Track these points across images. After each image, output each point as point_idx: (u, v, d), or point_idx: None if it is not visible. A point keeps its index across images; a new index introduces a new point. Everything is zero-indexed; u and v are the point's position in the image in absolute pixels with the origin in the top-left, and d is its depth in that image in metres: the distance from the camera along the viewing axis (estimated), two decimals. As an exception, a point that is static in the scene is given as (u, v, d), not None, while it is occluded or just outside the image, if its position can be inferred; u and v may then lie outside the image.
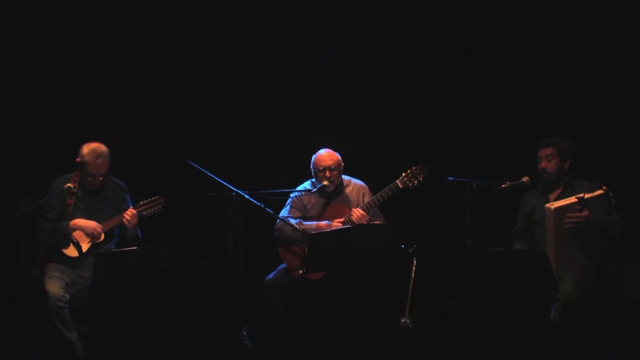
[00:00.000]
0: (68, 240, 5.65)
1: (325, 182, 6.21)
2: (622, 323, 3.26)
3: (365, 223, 6.11)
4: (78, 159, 5.88)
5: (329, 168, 6.22)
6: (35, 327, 3.13)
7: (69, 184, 5.83)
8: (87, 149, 5.88)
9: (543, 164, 6.04)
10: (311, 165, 6.30)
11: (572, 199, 5.79)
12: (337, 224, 6.16)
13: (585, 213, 5.73)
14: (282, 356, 3.58)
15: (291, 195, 6.35)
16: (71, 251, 5.71)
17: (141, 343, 3.20)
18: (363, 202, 6.24)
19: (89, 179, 5.89)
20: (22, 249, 5.76)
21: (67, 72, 6.90)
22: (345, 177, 6.37)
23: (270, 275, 6.22)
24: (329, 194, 6.31)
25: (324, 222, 6.20)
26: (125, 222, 5.88)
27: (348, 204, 6.28)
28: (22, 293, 3.15)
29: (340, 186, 6.34)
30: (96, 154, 5.86)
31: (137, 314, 3.23)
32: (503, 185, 6.05)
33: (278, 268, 6.24)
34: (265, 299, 6.16)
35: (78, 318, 5.66)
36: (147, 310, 3.24)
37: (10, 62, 6.83)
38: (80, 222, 5.85)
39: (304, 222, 6.22)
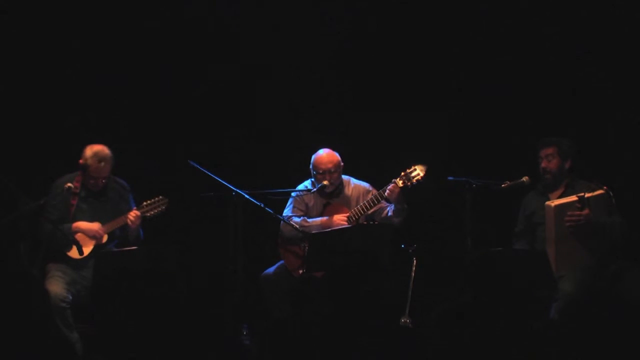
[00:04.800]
0: (69, 241, 5.66)
1: (325, 182, 6.22)
2: (622, 323, 3.26)
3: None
4: (81, 161, 5.87)
5: (328, 171, 6.22)
6: (35, 327, 3.12)
7: (69, 184, 5.83)
8: (90, 152, 5.85)
9: (544, 164, 6.04)
10: (311, 165, 6.30)
11: (573, 198, 5.80)
12: (342, 217, 6.16)
13: (585, 212, 5.73)
14: (282, 356, 3.58)
15: (292, 194, 6.36)
16: (74, 253, 5.71)
17: (141, 343, 3.20)
18: (363, 202, 6.24)
19: (91, 181, 5.88)
20: (22, 249, 5.76)
21: (69, 71, 6.90)
22: (344, 177, 6.37)
23: (270, 270, 6.22)
24: (329, 194, 6.31)
25: (328, 218, 6.20)
26: (129, 223, 5.88)
27: (348, 204, 6.28)
28: (22, 293, 3.15)
29: (340, 186, 6.34)
30: (99, 158, 5.84)
31: (137, 314, 3.23)
32: (503, 185, 6.05)
33: (278, 264, 6.25)
34: (262, 294, 6.17)
35: (78, 318, 5.67)
36: (148, 310, 3.24)
37: (10, 61, 6.84)
38: (82, 224, 5.85)
39: (308, 220, 6.23)
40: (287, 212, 6.33)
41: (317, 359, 3.47)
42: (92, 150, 5.86)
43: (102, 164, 5.84)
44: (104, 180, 5.89)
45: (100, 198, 5.97)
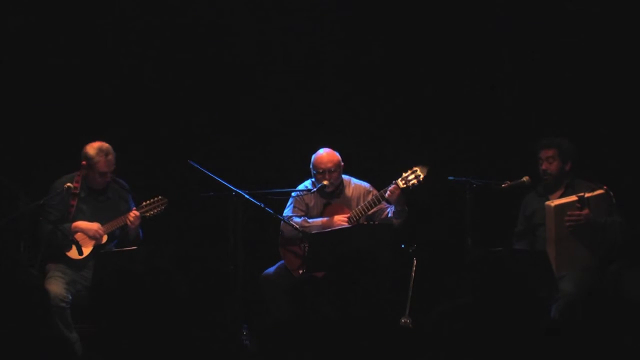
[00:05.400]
0: (68, 241, 5.65)
1: (325, 182, 6.22)
2: (622, 323, 3.26)
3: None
4: (84, 162, 5.86)
5: (328, 171, 6.22)
6: (35, 327, 3.13)
7: (69, 184, 5.82)
8: (92, 149, 5.85)
9: (544, 166, 6.02)
10: (311, 165, 6.30)
11: (573, 198, 5.80)
12: (343, 217, 6.17)
13: (585, 212, 5.73)
14: (282, 356, 3.58)
15: (292, 194, 6.36)
16: (74, 253, 5.71)
17: (141, 343, 3.19)
18: (364, 203, 6.23)
19: (99, 178, 5.86)
20: (22, 249, 5.76)
21: (68, 71, 6.90)
22: (345, 177, 6.37)
23: (270, 270, 6.22)
24: (329, 194, 6.31)
25: (329, 218, 6.20)
26: (129, 224, 5.87)
27: (348, 204, 6.28)
28: (22, 293, 3.15)
29: (340, 186, 6.34)
30: (104, 152, 5.85)
31: (137, 313, 3.23)
32: (503, 185, 6.05)
33: (278, 264, 6.25)
34: (262, 293, 6.17)
35: (78, 318, 5.67)
36: (147, 310, 3.24)
37: (10, 60, 6.84)
38: (81, 224, 5.84)
39: (308, 220, 6.23)
40: (287, 212, 6.33)
41: (317, 359, 3.47)
42: (94, 147, 5.86)
43: (110, 156, 5.86)
44: (111, 174, 5.89)
45: (99, 198, 5.96)
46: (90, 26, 6.93)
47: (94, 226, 5.83)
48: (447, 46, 6.99)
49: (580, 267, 5.77)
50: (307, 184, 6.37)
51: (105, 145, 5.88)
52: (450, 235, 6.52)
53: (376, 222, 6.21)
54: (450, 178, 6.07)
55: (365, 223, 6.17)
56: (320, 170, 6.23)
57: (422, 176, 6.09)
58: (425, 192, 6.35)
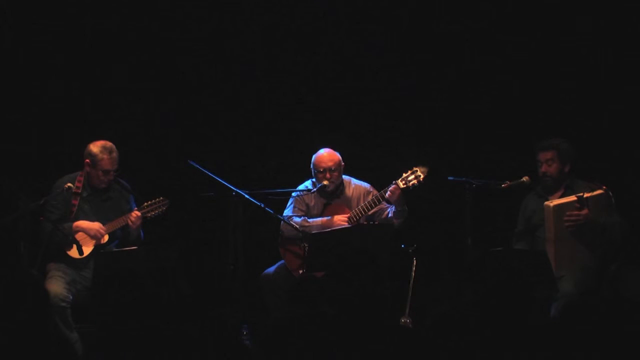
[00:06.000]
0: (69, 241, 5.66)
1: (325, 182, 6.22)
2: (622, 323, 3.27)
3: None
4: (87, 160, 5.86)
5: (329, 169, 6.22)
6: (35, 327, 3.13)
7: (69, 184, 5.82)
8: (96, 147, 5.86)
9: (544, 168, 6.02)
10: (311, 165, 6.31)
11: (572, 198, 5.80)
12: (343, 217, 6.17)
13: (585, 212, 5.73)
14: (282, 356, 3.58)
15: (292, 194, 6.36)
16: (74, 253, 5.71)
17: (141, 343, 3.20)
18: (364, 203, 6.24)
19: (103, 176, 5.86)
20: (22, 249, 5.77)
21: (69, 72, 6.90)
22: (345, 177, 6.37)
23: (270, 270, 6.22)
24: (329, 194, 6.31)
25: (329, 218, 6.21)
26: (130, 224, 5.87)
27: (348, 204, 6.28)
28: (22, 293, 3.15)
29: (340, 186, 6.34)
30: (108, 149, 5.85)
31: (137, 313, 3.23)
32: (503, 185, 6.05)
33: (278, 264, 6.25)
34: (262, 293, 6.17)
35: (78, 318, 5.67)
36: (148, 310, 3.24)
37: (10, 60, 6.84)
38: (83, 224, 5.84)
39: (308, 220, 6.23)
40: (287, 212, 6.33)
41: (317, 359, 3.47)
42: (97, 145, 5.86)
43: (113, 154, 5.86)
44: (115, 173, 5.89)
45: (102, 198, 5.97)
46: (90, 26, 6.93)
47: (95, 226, 5.84)
48: (447, 46, 6.99)
49: (580, 267, 5.77)
50: (307, 184, 6.37)
51: (108, 143, 5.89)
52: (450, 235, 6.52)
53: (376, 222, 6.22)
54: (450, 178, 6.07)
55: (365, 223, 6.17)
56: (321, 170, 6.23)
57: (422, 176, 6.09)
58: (425, 192, 6.35)
